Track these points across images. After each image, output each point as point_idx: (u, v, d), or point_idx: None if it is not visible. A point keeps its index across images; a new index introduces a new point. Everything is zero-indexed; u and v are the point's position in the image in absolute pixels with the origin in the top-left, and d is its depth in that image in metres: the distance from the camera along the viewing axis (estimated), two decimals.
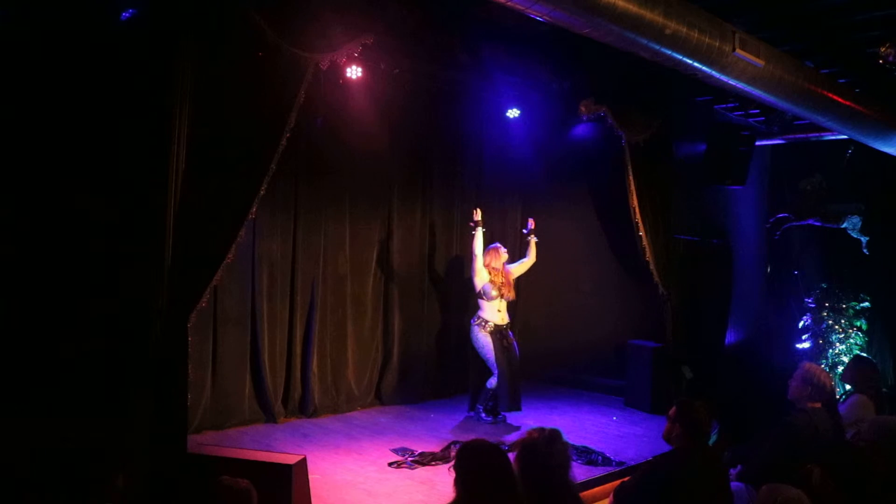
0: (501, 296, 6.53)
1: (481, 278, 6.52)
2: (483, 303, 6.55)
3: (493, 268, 6.56)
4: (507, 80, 7.01)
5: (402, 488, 5.00)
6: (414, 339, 7.60)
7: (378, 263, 7.37)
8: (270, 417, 6.39)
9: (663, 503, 3.40)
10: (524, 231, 6.96)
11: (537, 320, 8.57)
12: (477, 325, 6.55)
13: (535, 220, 6.94)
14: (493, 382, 6.52)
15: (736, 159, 7.46)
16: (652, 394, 7.37)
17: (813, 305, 7.59)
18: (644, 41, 4.26)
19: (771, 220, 8.16)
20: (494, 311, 6.52)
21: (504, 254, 6.65)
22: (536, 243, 6.86)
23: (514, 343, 6.63)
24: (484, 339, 6.49)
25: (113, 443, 4.12)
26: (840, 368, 6.91)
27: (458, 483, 2.73)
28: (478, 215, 6.60)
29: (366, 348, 7.27)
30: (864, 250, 7.46)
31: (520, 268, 6.81)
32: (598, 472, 5.45)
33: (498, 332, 6.50)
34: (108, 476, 3.15)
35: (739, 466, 4.26)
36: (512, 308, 6.77)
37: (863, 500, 2.97)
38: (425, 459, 5.52)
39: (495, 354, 6.44)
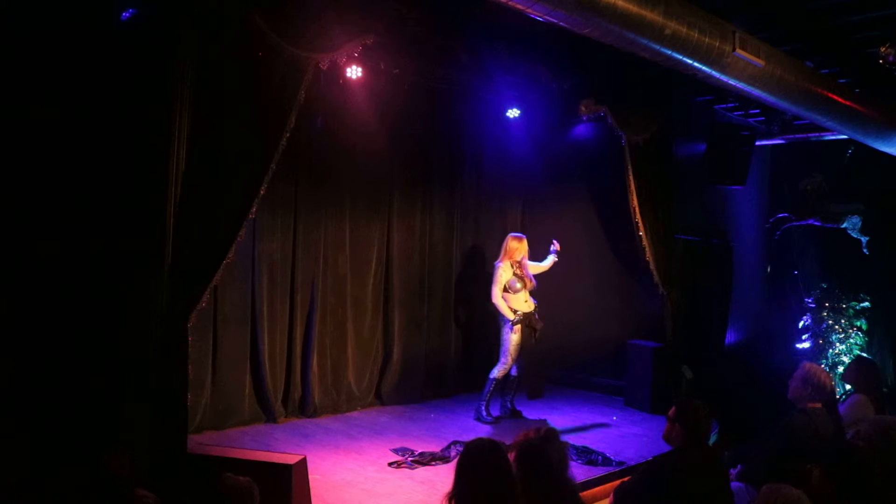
0: (525, 287, 6.62)
1: (504, 278, 6.59)
2: (509, 296, 6.60)
3: (515, 260, 6.62)
4: (507, 80, 7.01)
5: (402, 488, 4.99)
6: (414, 339, 7.58)
7: (378, 263, 7.35)
8: (270, 417, 6.38)
9: (663, 503, 3.40)
10: (551, 251, 6.94)
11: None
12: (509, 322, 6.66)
13: (554, 239, 7.00)
14: (495, 373, 6.58)
15: (736, 159, 7.47)
16: (652, 394, 7.36)
17: (813, 305, 7.60)
18: (644, 41, 4.27)
19: (771, 220, 8.17)
20: (521, 302, 6.60)
21: (524, 245, 6.72)
22: (555, 262, 6.94)
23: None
24: (508, 335, 6.57)
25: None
26: (840, 368, 6.92)
27: (459, 480, 2.73)
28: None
29: (366, 348, 7.26)
30: (864, 250, 7.47)
31: (534, 268, 6.85)
32: (598, 472, 5.44)
33: (527, 318, 6.59)
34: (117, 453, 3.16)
35: (739, 466, 4.26)
36: None
37: (863, 500, 2.97)
38: (425, 459, 5.51)
39: (511, 347, 6.53)
